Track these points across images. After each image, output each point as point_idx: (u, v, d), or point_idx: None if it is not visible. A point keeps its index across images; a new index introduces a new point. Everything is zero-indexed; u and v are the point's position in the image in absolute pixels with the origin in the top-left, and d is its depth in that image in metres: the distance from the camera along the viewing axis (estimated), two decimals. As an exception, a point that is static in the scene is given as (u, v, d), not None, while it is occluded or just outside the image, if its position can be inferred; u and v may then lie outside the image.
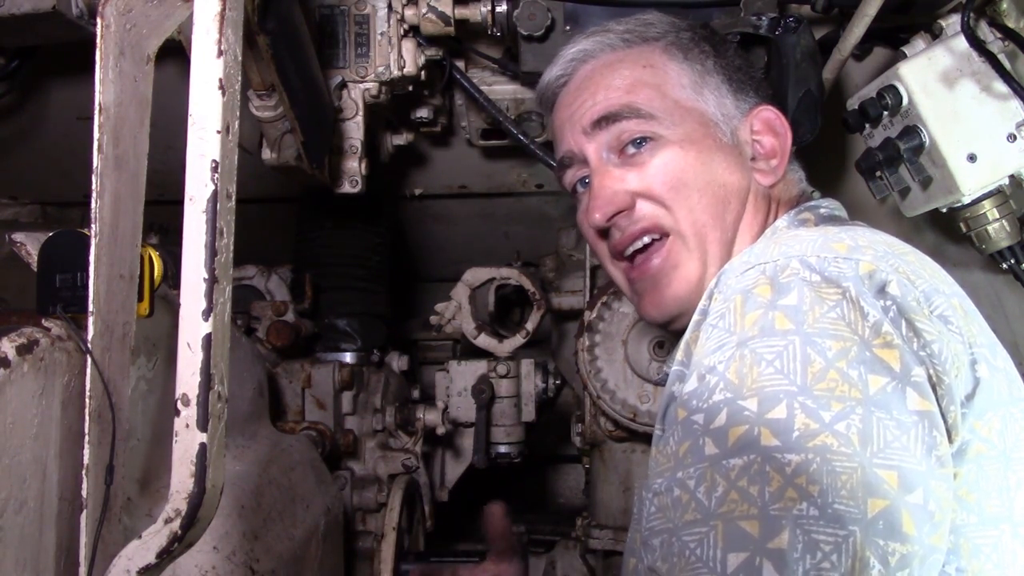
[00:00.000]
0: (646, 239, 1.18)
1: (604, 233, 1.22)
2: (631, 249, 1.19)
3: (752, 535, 0.78)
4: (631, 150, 1.18)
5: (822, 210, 1.18)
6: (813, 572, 0.76)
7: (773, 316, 0.89)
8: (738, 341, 0.89)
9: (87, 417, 0.90)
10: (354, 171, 1.59)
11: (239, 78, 0.86)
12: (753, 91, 1.25)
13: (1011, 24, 1.26)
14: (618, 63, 1.22)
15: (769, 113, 1.23)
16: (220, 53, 0.82)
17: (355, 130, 1.57)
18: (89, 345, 0.90)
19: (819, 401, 0.83)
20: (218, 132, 0.82)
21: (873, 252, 0.94)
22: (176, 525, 0.82)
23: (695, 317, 1.01)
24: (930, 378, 0.87)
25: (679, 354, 1.02)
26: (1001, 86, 1.24)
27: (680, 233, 1.15)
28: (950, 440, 0.88)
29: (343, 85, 1.55)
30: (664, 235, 1.17)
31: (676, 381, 0.99)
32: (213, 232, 0.82)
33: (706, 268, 1.15)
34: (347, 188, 1.60)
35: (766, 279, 0.93)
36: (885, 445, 0.81)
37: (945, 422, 0.87)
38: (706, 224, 1.15)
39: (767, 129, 1.22)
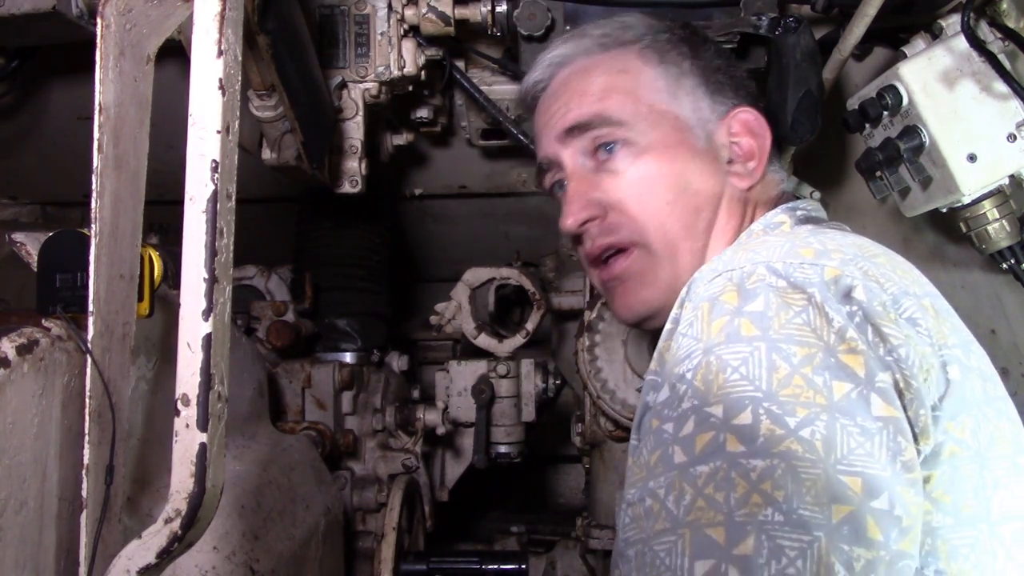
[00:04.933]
0: (613, 252, 1.20)
1: (578, 238, 1.24)
2: (605, 255, 1.21)
3: (718, 542, 0.78)
4: (603, 155, 1.19)
5: (799, 212, 1.18)
6: None
7: (739, 323, 0.89)
8: (704, 348, 0.89)
9: (87, 417, 0.90)
10: (354, 171, 1.59)
11: (239, 78, 0.86)
12: (732, 92, 1.24)
13: (1011, 24, 1.26)
14: (593, 68, 1.23)
15: (747, 115, 1.22)
16: (220, 53, 0.82)
17: (355, 130, 1.57)
18: (89, 345, 0.90)
19: (784, 407, 0.82)
20: (218, 132, 0.82)
21: (841, 256, 0.94)
22: (176, 525, 0.83)
23: (668, 326, 1.01)
24: (896, 383, 0.87)
25: (653, 363, 1.02)
26: (1001, 86, 1.24)
27: (649, 246, 1.17)
28: (920, 443, 0.88)
29: (343, 85, 1.55)
30: (632, 247, 1.18)
31: (650, 391, 0.98)
32: (213, 232, 0.82)
33: (678, 275, 1.16)
34: (347, 188, 1.60)
35: (733, 286, 0.93)
36: (849, 451, 0.81)
37: (915, 426, 0.87)
38: (677, 235, 1.16)
39: (745, 130, 1.22)
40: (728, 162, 1.21)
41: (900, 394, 0.87)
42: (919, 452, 0.87)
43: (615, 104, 1.19)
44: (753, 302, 0.90)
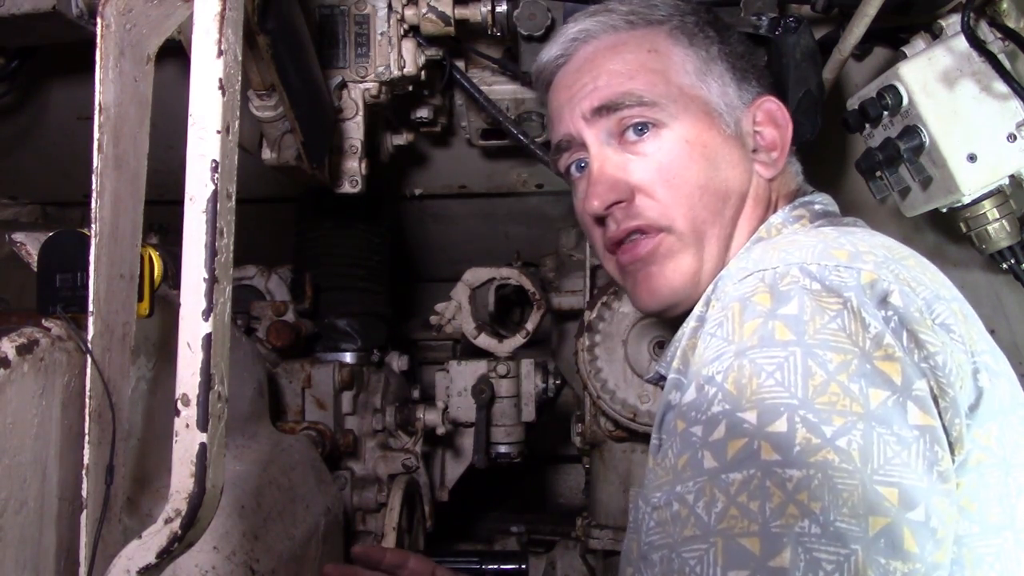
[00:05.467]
0: (638, 235, 1.16)
1: (601, 220, 1.19)
2: (629, 239, 1.16)
3: (753, 553, 0.77)
4: (632, 136, 1.14)
5: (816, 206, 1.16)
6: None
7: (773, 326, 0.87)
8: (736, 351, 0.88)
9: (87, 417, 0.90)
10: (354, 171, 1.58)
11: (239, 78, 0.86)
12: (756, 80, 1.22)
13: (1011, 24, 1.26)
14: (621, 45, 1.18)
15: (772, 104, 1.20)
16: (220, 53, 0.82)
17: (355, 130, 1.57)
18: (89, 345, 0.90)
19: (820, 415, 0.81)
20: (218, 132, 0.82)
21: (874, 259, 0.93)
22: (176, 525, 0.82)
23: (692, 323, 1.00)
24: (932, 391, 0.86)
25: (676, 361, 1.00)
26: (1001, 86, 1.24)
27: (677, 231, 1.13)
28: (955, 453, 0.87)
29: (343, 85, 1.55)
30: (659, 231, 1.14)
31: (673, 389, 0.97)
32: (213, 232, 0.82)
33: (703, 263, 1.13)
34: (347, 188, 1.60)
35: (765, 287, 0.91)
36: (886, 461, 0.80)
37: (949, 435, 0.86)
38: (705, 221, 1.13)
39: (769, 120, 1.20)
40: (752, 151, 1.18)
41: (936, 402, 0.85)
42: (953, 461, 0.86)
43: (645, 84, 1.14)
44: (787, 305, 0.88)
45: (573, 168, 1.24)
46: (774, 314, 0.88)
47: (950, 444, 0.86)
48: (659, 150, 1.13)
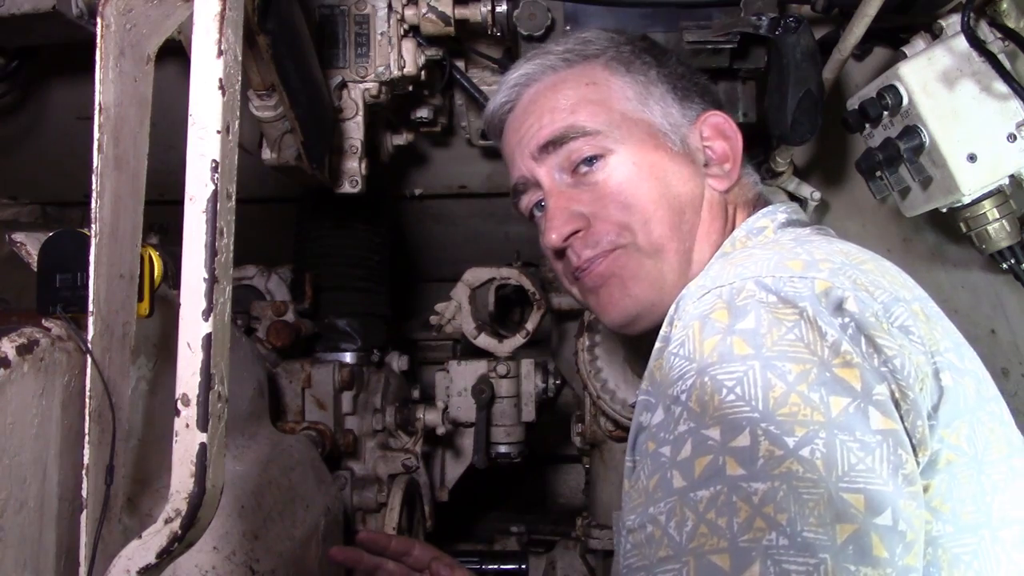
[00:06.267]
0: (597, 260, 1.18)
1: (562, 253, 1.22)
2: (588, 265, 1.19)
3: (723, 569, 0.78)
4: (583, 168, 1.18)
5: (779, 215, 1.17)
6: None
7: (731, 341, 0.88)
8: (698, 369, 0.89)
9: (87, 417, 0.90)
10: (354, 171, 1.59)
11: (239, 78, 0.86)
12: (699, 97, 1.25)
13: (1011, 24, 1.26)
14: (561, 83, 1.22)
15: (717, 118, 1.23)
16: (220, 53, 0.82)
17: (355, 130, 1.57)
18: (89, 345, 0.90)
19: (782, 427, 0.82)
20: (218, 132, 0.82)
21: (830, 266, 0.93)
22: (176, 525, 0.82)
23: (657, 344, 1.00)
24: (892, 394, 0.86)
25: (644, 382, 1.01)
26: (1001, 86, 1.24)
27: (634, 245, 1.16)
28: (919, 455, 0.87)
29: (343, 85, 1.55)
30: (616, 248, 1.17)
31: (643, 410, 0.98)
32: (213, 232, 0.82)
33: (663, 274, 1.16)
34: (347, 188, 1.60)
35: (723, 303, 0.92)
36: (850, 468, 0.80)
37: (912, 438, 0.86)
38: (663, 236, 1.15)
39: (717, 134, 1.22)
40: (704, 165, 1.21)
41: (897, 405, 0.86)
42: (918, 463, 0.87)
43: (587, 115, 1.18)
44: (744, 319, 0.89)
45: (535, 210, 1.28)
46: (732, 329, 0.89)
47: (913, 447, 0.86)
48: (609, 176, 1.17)
